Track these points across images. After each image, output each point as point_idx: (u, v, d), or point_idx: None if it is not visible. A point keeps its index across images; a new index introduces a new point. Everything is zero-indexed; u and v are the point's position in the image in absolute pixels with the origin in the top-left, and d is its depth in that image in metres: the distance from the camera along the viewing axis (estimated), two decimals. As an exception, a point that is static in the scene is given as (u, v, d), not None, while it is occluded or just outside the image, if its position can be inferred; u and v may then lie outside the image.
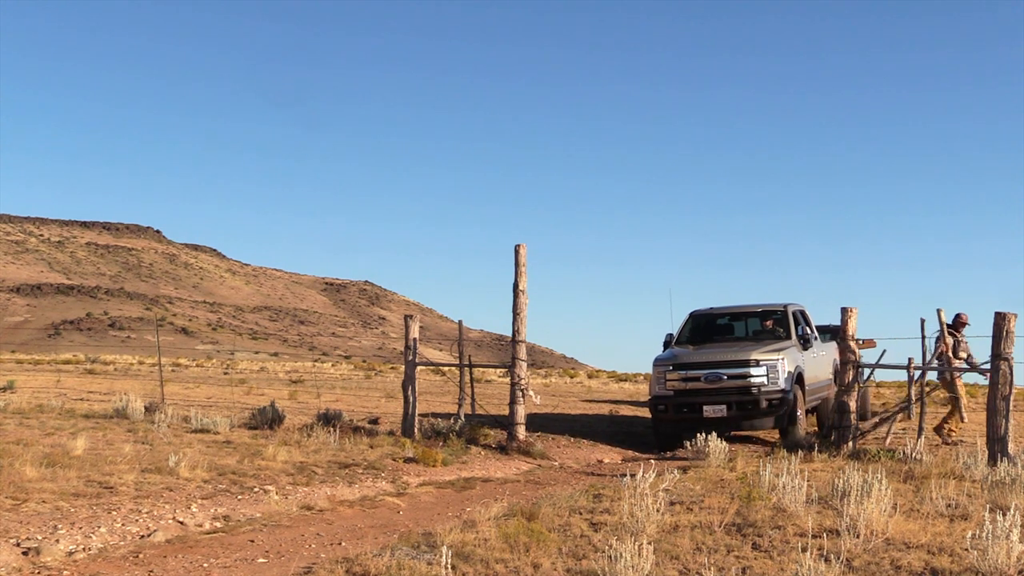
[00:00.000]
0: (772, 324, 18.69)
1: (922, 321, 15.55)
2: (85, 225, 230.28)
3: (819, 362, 19.15)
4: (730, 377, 16.90)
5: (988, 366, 13.27)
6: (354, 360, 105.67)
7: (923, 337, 15.36)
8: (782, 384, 16.72)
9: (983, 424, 14.28)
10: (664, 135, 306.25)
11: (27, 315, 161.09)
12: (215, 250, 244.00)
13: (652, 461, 14.25)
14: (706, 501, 9.57)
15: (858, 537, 7.48)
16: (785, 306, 18.84)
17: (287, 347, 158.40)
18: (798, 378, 17.31)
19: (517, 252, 17.07)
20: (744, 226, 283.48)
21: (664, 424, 17.49)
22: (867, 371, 16.45)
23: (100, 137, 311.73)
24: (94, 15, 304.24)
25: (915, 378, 15.27)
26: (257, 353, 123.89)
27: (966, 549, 7.02)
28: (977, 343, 16.50)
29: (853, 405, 15.03)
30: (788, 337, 18.09)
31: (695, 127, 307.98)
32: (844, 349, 15.15)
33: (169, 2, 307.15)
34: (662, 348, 18.62)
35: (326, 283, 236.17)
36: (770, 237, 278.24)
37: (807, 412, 18.98)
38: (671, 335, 18.91)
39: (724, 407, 16.75)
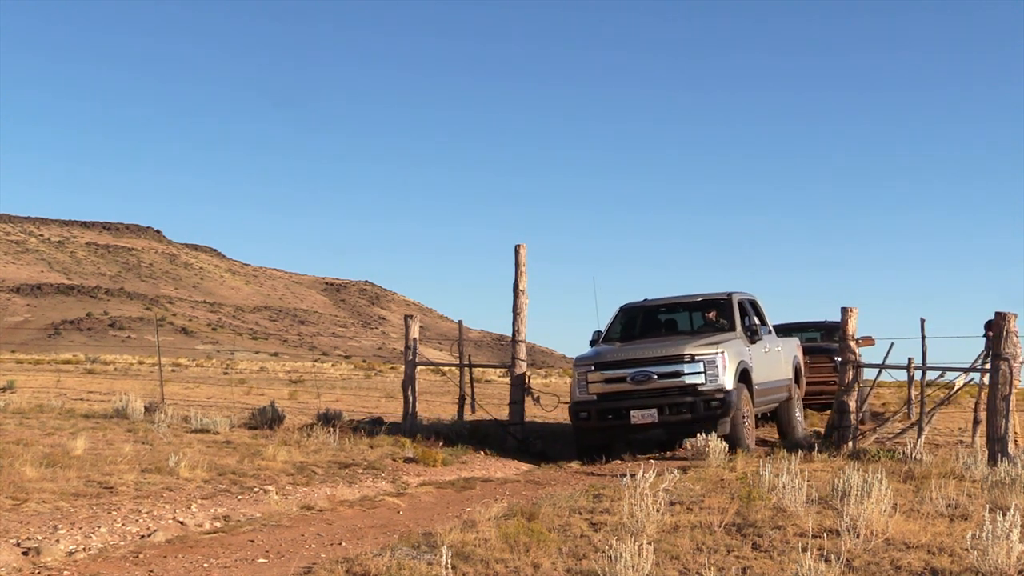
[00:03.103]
0: (715, 315, 16.65)
1: (922, 321, 15.57)
2: (85, 225, 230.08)
3: (772, 359, 17.09)
4: (661, 376, 14.89)
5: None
6: (354, 360, 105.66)
7: (923, 337, 15.36)
8: (722, 382, 14.77)
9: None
10: (666, 134, 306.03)
11: (27, 315, 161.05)
12: (215, 250, 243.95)
13: (652, 461, 14.25)
14: (706, 501, 9.57)
15: (858, 537, 7.48)
16: (729, 294, 16.79)
17: (287, 347, 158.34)
18: (743, 375, 15.32)
19: (517, 252, 17.10)
20: (744, 225, 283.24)
21: (587, 434, 15.56)
22: (872, 371, 16.15)
23: (100, 137, 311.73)
24: (94, 14, 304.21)
25: (914, 378, 15.25)
26: (257, 353, 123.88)
27: (966, 549, 7.02)
28: (974, 343, 16.42)
29: (853, 405, 15.01)
30: (732, 329, 16.09)
31: (696, 126, 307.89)
32: (844, 349, 15.14)
33: (169, 1, 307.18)
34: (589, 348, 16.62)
35: (326, 283, 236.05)
36: (769, 236, 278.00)
37: (763, 416, 17.81)
38: (599, 332, 16.96)
39: (655, 411, 14.81)
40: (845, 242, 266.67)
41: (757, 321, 16.58)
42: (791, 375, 17.99)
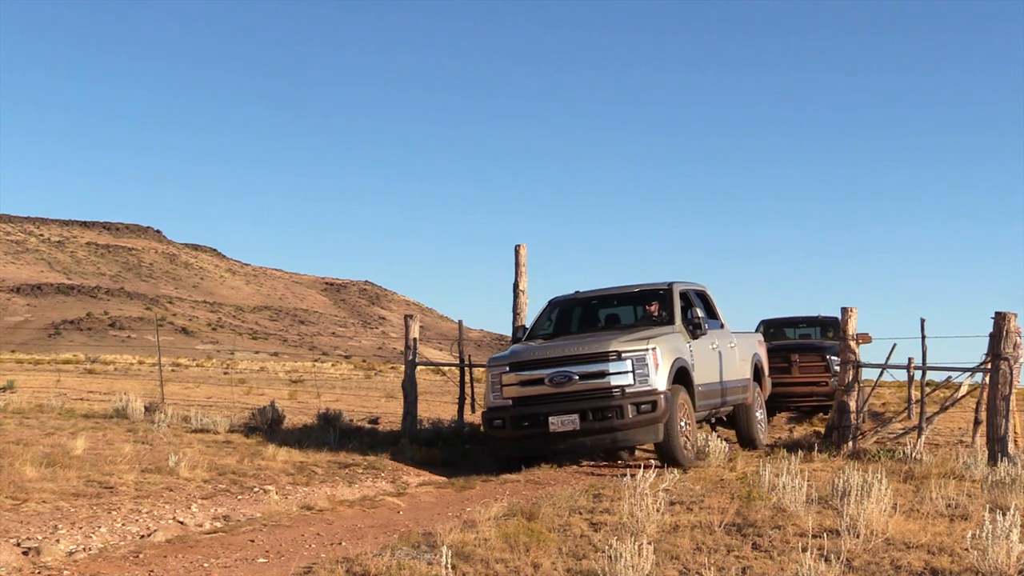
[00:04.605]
0: (656, 309, 14.83)
1: (922, 321, 15.52)
2: (85, 225, 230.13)
3: (722, 356, 15.38)
4: (583, 377, 13.13)
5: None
6: (354, 360, 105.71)
7: (923, 337, 15.32)
8: (654, 383, 13.04)
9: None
10: (669, 128, 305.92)
11: (27, 315, 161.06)
12: (215, 250, 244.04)
13: (652, 461, 14.23)
14: (706, 501, 9.58)
15: (858, 537, 7.48)
16: (670, 284, 14.99)
17: (287, 347, 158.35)
18: (680, 375, 13.66)
19: (517, 252, 17.09)
20: (743, 222, 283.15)
21: (503, 444, 13.81)
22: (870, 371, 15.95)
23: (100, 137, 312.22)
24: (93, 15, 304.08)
25: (915, 378, 15.23)
26: (257, 353, 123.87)
27: (966, 549, 7.02)
28: (975, 343, 16.31)
29: (853, 405, 14.99)
30: (670, 323, 14.38)
31: (697, 120, 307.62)
32: (844, 348, 15.14)
33: (170, 1, 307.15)
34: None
35: (326, 283, 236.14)
36: (768, 233, 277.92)
37: (719, 420, 16.47)
38: (524, 328, 15.50)
39: (576, 417, 12.99)
40: (845, 240, 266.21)
41: (701, 314, 14.70)
42: (748, 374, 16.41)
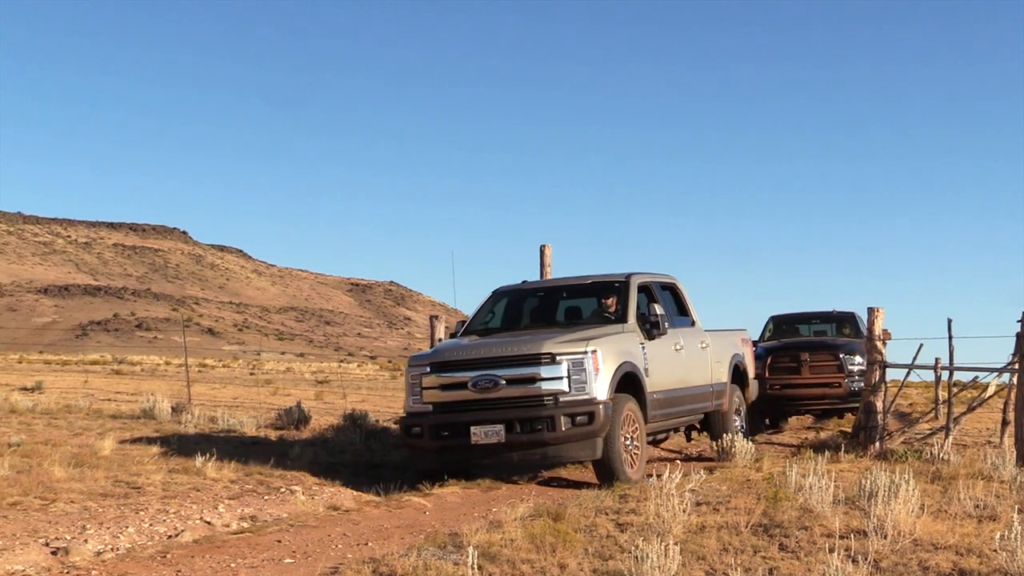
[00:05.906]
0: (614, 303, 13.13)
1: (949, 321, 15.42)
2: (112, 226, 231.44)
3: (688, 358, 13.82)
4: (511, 382, 11.47)
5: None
6: (380, 360, 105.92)
7: (950, 337, 15.22)
8: (593, 391, 11.39)
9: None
10: (693, 124, 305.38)
11: (55, 316, 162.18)
12: (241, 251, 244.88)
13: (678, 461, 14.21)
14: (732, 502, 9.54)
15: (885, 538, 7.44)
16: (628, 276, 13.34)
17: (313, 348, 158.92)
18: (627, 381, 12.04)
19: (542, 253, 17.06)
20: (746, 225, 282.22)
21: (422, 456, 12.22)
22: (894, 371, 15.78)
23: (127, 139, 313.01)
24: (119, 14, 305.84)
25: (942, 379, 15.15)
26: (283, 354, 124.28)
27: (994, 550, 6.98)
28: (1002, 343, 16.15)
29: (880, 405, 14.91)
30: (622, 320, 12.79)
31: (720, 114, 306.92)
32: (871, 349, 15.08)
33: (195, 1, 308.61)
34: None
35: (352, 284, 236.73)
36: (786, 233, 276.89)
37: (690, 428, 15.01)
38: (462, 323, 13.79)
39: (501, 428, 11.35)
40: (867, 237, 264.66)
41: (660, 311, 12.93)
42: (724, 378, 14.87)
